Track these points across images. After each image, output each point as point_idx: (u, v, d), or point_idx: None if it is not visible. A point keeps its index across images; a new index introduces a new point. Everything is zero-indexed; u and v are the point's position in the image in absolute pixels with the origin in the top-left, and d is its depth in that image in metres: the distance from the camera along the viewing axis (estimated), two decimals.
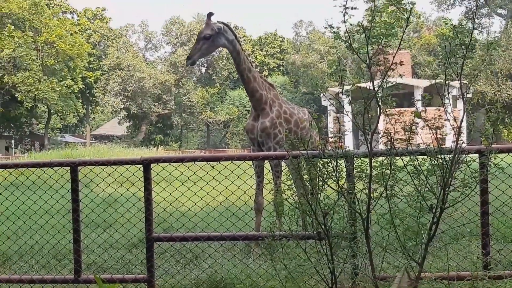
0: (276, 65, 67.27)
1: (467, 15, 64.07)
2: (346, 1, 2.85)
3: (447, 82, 2.78)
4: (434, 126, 2.74)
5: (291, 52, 65.74)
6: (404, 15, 2.80)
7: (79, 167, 5.22)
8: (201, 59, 62.37)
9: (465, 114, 2.77)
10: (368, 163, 2.86)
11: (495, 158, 2.94)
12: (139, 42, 68.06)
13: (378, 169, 2.88)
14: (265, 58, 67.08)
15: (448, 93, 2.80)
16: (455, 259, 4.90)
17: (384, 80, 2.83)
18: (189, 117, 62.33)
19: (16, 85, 48.41)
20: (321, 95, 50.12)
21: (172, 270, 5.79)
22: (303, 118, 7.65)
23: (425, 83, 38.82)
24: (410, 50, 54.45)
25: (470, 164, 2.93)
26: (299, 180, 7.93)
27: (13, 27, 48.98)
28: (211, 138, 67.61)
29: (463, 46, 2.66)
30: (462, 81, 2.83)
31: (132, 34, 67.03)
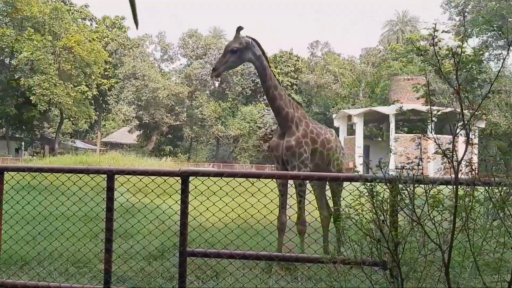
0: (290, 84, 67.27)
1: (483, 46, 63.90)
2: (435, 24, 2.75)
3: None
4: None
5: (306, 71, 65.83)
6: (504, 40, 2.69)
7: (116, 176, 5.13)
8: None
9: None
10: (454, 193, 2.72)
11: None
12: (156, 53, 68.35)
13: (460, 200, 2.73)
14: (279, 76, 67.12)
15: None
16: None
17: (477, 109, 2.71)
18: (199, 130, 62.37)
19: (32, 88, 48.75)
20: (334, 116, 50.01)
21: (205, 286, 5.66)
22: (330, 138, 7.53)
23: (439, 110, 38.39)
24: (425, 77, 54.30)
25: None
26: (323, 201, 7.78)
27: (33, 30, 49.46)
28: (220, 152, 67.53)
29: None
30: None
31: (149, 44, 67.37)
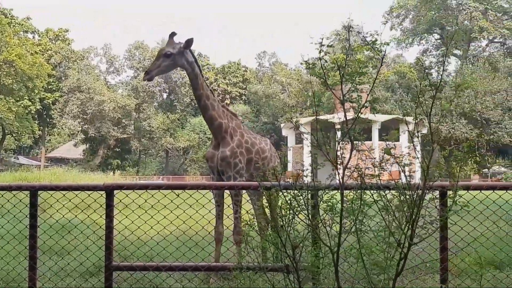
0: (238, 94, 67.56)
1: (424, 54, 66.34)
2: (322, 39, 2.86)
3: (416, 121, 2.80)
4: (403, 163, 2.74)
5: (254, 82, 66.24)
6: (377, 55, 2.83)
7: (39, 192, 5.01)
8: (164, 85, 62.28)
9: (433, 151, 2.78)
10: (340, 197, 2.82)
11: (460, 196, 2.96)
12: (101, 65, 67.18)
13: (348, 203, 2.84)
14: (227, 87, 67.34)
15: (418, 131, 2.81)
16: None
17: (358, 116, 2.82)
18: (148, 143, 61.62)
19: None
20: (282, 125, 50.37)
21: None
22: (265, 148, 7.60)
23: (382, 117, 39.86)
24: (369, 85, 55.64)
25: (436, 200, 2.94)
26: (260, 210, 7.83)
27: None
28: (169, 164, 66.82)
29: (432, 87, 2.69)
30: (429, 121, 2.86)
31: (94, 56, 66.19)
